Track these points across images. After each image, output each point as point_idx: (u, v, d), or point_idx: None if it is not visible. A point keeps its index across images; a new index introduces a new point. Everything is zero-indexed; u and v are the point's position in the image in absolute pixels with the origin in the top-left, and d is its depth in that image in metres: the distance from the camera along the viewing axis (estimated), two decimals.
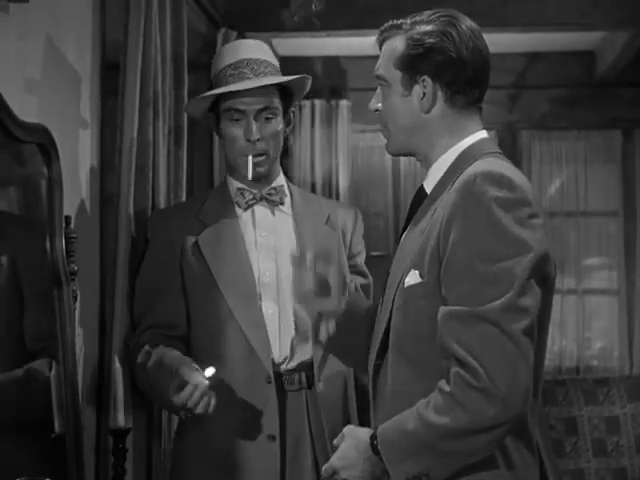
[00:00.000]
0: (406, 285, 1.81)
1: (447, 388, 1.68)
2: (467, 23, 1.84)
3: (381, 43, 1.90)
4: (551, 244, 1.77)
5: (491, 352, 1.65)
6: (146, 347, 2.44)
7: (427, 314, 1.75)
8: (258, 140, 2.46)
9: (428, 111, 1.84)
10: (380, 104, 1.90)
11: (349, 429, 1.90)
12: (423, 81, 1.82)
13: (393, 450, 1.74)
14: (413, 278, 1.80)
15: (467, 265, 1.69)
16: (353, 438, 1.84)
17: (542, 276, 1.72)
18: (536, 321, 1.69)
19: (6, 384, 2.10)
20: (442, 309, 1.72)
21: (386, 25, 1.89)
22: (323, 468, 1.90)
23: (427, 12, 1.86)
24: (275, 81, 2.48)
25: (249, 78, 2.47)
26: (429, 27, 1.82)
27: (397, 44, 1.85)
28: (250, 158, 2.45)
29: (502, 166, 1.78)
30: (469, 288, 1.69)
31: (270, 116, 2.48)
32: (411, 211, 1.93)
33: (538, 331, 1.74)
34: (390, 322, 1.85)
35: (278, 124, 2.50)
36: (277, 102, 2.50)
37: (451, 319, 1.70)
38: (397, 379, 1.83)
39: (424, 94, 1.83)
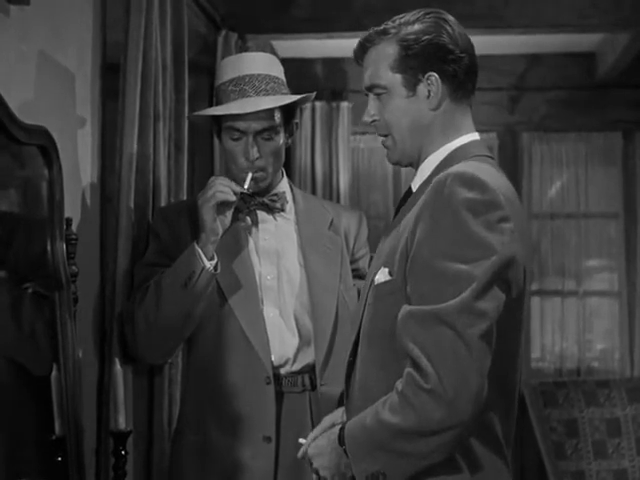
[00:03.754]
0: (376, 282, 1.82)
1: (400, 387, 1.69)
2: (450, 16, 1.87)
3: (363, 54, 1.90)
4: (523, 249, 1.75)
5: (443, 355, 1.64)
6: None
7: (393, 312, 1.75)
8: (257, 159, 2.46)
9: (437, 107, 1.84)
10: (375, 114, 1.89)
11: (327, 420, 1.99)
12: (427, 78, 1.83)
13: (355, 444, 1.76)
14: (383, 276, 1.81)
15: (429, 264, 1.69)
16: (330, 431, 1.90)
17: (506, 281, 1.70)
18: (495, 326, 1.67)
19: (7, 385, 2.10)
20: (403, 308, 1.72)
21: (366, 35, 1.89)
22: (300, 452, 1.95)
23: (409, 14, 1.87)
24: (274, 105, 2.45)
25: (249, 96, 2.44)
26: (421, 25, 1.84)
27: (388, 49, 1.85)
28: (250, 174, 2.45)
29: (479, 168, 1.76)
30: (429, 287, 1.69)
31: (270, 135, 2.46)
32: (397, 211, 1.94)
33: (509, 337, 1.73)
34: (362, 319, 1.86)
35: (278, 141, 2.49)
36: (278, 119, 2.47)
37: (410, 319, 1.70)
38: (364, 376, 1.85)
39: (429, 91, 1.83)
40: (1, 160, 2.13)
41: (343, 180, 5.60)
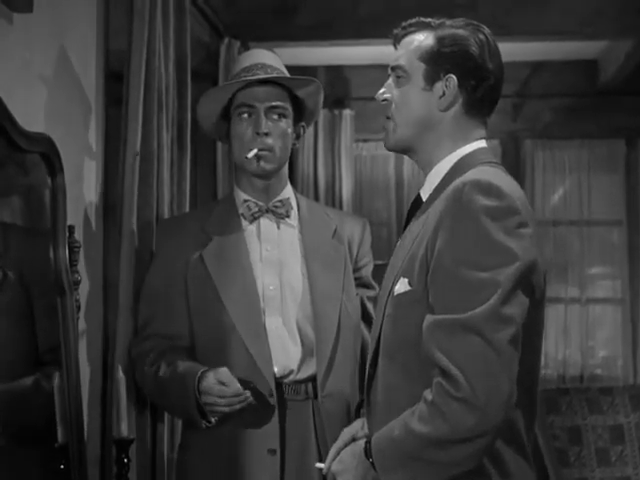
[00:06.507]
0: (396, 293, 1.81)
1: (430, 397, 1.68)
2: (492, 37, 1.87)
3: (402, 37, 1.91)
4: (540, 253, 1.77)
5: (473, 362, 1.64)
6: (152, 355, 2.45)
7: (416, 322, 1.74)
8: (266, 134, 2.46)
9: (446, 109, 1.85)
10: (389, 94, 1.91)
11: (346, 433, 1.96)
12: (447, 79, 1.84)
13: (383, 457, 1.74)
14: (403, 286, 1.80)
15: (452, 273, 1.69)
16: (353, 444, 1.89)
17: (529, 285, 1.72)
18: (521, 330, 1.68)
19: (12, 393, 2.10)
20: (427, 317, 1.72)
21: (411, 21, 1.91)
22: (324, 467, 1.92)
23: (457, 20, 1.89)
24: (285, 76, 2.51)
25: (260, 75, 2.49)
26: (463, 32, 1.85)
27: (425, 38, 1.87)
28: (255, 150, 2.46)
29: (493, 174, 1.78)
30: (453, 296, 1.69)
31: (280, 115, 2.49)
32: (407, 219, 1.94)
33: (531, 340, 1.74)
34: (382, 330, 1.85)
35: (287, 126, 2.51)
36: (288, 105, 2.51)
37: (435, 328, 1.69)
38: (387, 386, 1.84)
39: (444, 92, 1.84)
40: (4, 168, 2.13)
41: (346, 187, 5.60)
